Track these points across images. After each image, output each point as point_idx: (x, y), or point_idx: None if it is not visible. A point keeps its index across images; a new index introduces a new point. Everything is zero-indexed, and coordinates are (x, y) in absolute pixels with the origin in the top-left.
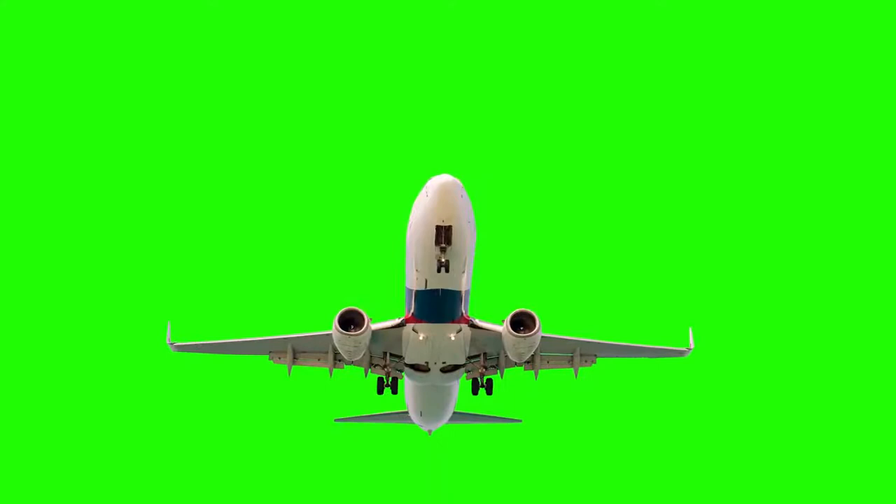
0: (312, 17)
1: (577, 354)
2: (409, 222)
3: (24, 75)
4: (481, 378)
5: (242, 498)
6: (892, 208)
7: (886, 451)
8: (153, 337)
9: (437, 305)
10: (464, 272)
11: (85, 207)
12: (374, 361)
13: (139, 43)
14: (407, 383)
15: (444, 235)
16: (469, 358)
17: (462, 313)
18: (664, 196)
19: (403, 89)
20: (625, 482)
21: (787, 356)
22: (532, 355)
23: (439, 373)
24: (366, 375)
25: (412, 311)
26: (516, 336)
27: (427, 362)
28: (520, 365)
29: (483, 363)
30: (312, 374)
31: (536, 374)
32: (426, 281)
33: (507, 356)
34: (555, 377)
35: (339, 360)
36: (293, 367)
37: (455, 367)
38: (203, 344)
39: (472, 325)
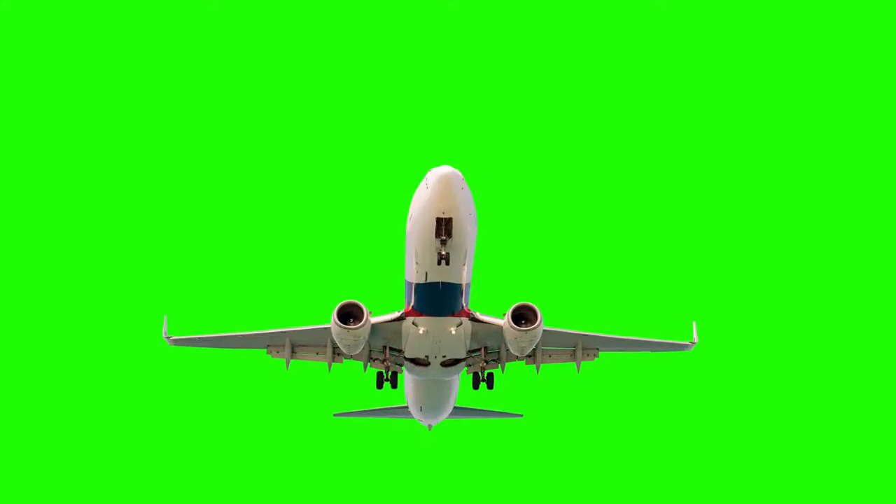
0: (311, 11)
1: (580, 348)
2: (409, 214)
3: (23, 75)
4: (482, 372)
5: (241, 494)
6: (894, 203)
7: (889, 446)
8: (150, 330)
9: (437, 299)
10: (464, 265)
11: (82, 202)
12: (374, 356)
13: (138, 41)
14: (407, 378)
15: (444, 228)
16: (470, 352)
17: (463, 307)
18: (668, 189)
19: (404, 82)
20: (627, 477)
21: (791, 350)
22: (533, 349)
23: (439, 367)
24: (365, 370)
25: (412, 304)
26: (518, 330)
27: (427, 356)
28: (521, 359)
29: (484, 357)
30: (311, 368)
31: (538, 368)
32: (426, 274)
33: (508, 350)
34: (557, 371)
35: (338, 355)
36: (291, 361)
37: (455, 362)
38: (200, 338)
39: (473, 319)
